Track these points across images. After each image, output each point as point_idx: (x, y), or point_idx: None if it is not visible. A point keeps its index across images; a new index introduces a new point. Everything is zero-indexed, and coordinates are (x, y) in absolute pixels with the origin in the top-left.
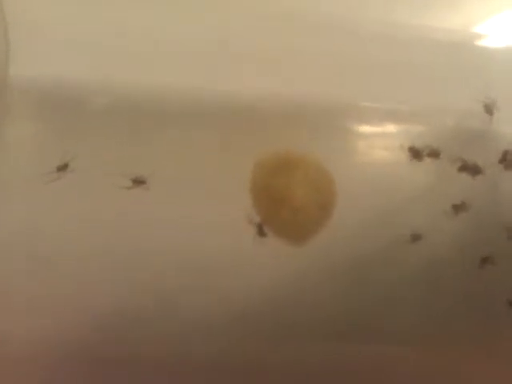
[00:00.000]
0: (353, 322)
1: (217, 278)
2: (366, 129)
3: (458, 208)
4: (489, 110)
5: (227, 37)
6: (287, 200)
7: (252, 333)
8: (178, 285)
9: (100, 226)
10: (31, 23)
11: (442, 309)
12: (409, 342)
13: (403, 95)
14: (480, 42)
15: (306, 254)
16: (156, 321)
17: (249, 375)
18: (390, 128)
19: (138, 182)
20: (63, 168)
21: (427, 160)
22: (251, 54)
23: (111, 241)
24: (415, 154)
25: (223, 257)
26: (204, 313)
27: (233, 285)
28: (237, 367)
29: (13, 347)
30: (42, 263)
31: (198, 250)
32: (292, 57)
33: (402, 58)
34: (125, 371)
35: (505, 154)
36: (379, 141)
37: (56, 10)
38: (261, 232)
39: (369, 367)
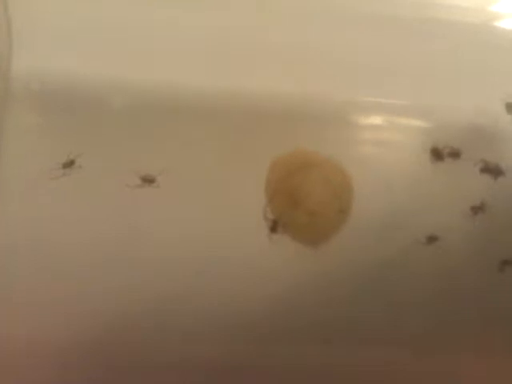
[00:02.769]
0: (366, 324)
1: (228, 280)
2: (383, 129)
3: (476, 209)
4: (510, 109)
5: (238, 35)
6: (302, 202)
7: (263, 335)
8: (188, 286)
9: (106, 225)
10: (35, 16)
11: (458, 313)
12: (419, 347)
13: (420, 92)
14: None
15: (319, 256)
16: (161, 324)
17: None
18: (410, 127)
19: (148, 180)
20: (69, 165)
21: (447, 160)
22: (264, 53)
23: (118, 240)
24: (436, 154)
25: (235, 258)
26: (214, 314)
27: (244, 287)
28: (246, 371)
29: (15, 348)
30: (46, 264)
31: (210, 251)
32: (305, 54)
33: (417, 50)
34: (127, 375)
35: None
36: (398, 142)
37: (61, 4)
38: (274, 228)
39: (376, 371)
